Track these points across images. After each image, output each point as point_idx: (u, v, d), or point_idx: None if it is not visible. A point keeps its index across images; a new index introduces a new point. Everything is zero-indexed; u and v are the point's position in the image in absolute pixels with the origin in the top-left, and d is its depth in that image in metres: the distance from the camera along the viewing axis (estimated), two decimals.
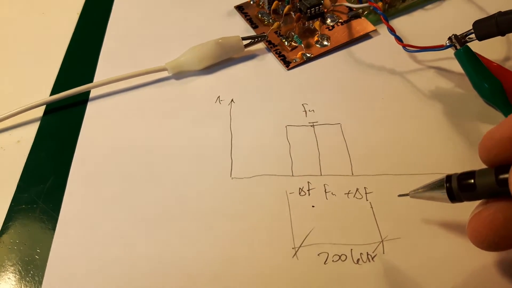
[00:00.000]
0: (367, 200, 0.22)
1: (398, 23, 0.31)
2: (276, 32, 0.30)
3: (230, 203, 0.23)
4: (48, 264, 0.21)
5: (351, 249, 0.21)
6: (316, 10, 0.29)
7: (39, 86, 0.29)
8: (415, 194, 0.20)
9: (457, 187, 0.18)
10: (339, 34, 0.30)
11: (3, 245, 0.22)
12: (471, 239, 0.19)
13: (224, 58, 0.29)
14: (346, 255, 0.21)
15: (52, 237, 0.22)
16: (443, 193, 0.19)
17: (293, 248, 0.21)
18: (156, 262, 0.21)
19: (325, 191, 0.23)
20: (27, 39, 0.33)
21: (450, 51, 0.27)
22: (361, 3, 0.32)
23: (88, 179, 0.24)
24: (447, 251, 0.21)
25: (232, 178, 0.23)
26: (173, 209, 0.22)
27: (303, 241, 0.21)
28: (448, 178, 0.19)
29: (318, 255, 0.21)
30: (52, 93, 0.28)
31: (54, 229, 0.22)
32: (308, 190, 0.23)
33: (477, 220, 0.19)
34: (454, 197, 0.19)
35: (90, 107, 0.27)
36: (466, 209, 0.20)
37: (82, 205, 0.23)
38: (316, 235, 0.21)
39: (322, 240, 0.21)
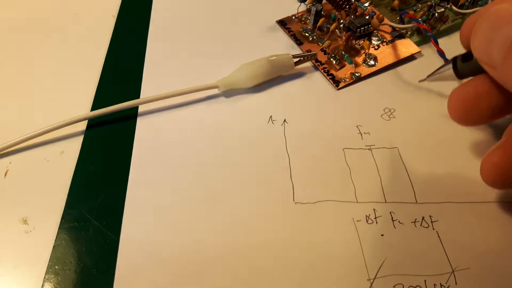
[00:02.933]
0: (433, 229, 0.22)
1: (439, 45, 0.31)
2: (322, 50, 0.30)
3: (298, 230, 0.22)
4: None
5: (425, 280, 0.21)
6: (365, 29, 0.29)
7: (78, 99, 0.28)
8: (430, 76, 0.24)
9: (460, 59, 0.21)
10: (385, 54, 0.30)
11: (56, 266, 0.21)
12: (449, 113, 0.22)
13: (274, 76, 0.28)
14: (420, 286, 0.20)
15: (108, 257, 0.21)
16: (449, 69, 0.22)
17: (368, 280, 0.20)
18: None
19: (392, 219, 0.22)
20: (62, 46, 0.31)
21: None
22: (404, 23, 0.32)
23: (145, 200, 0.23)
24: None
25: (295, 203, 0.23)
26: (235, 238, 0.22)
27: (377, 272, 0.21)
28: (455, 57, 0.22)
29: (394, 286, 0.20)
30: (94, 105, 0.27)
31: (109, 248, 0.21)
32: (375, 218, 0.22)
33: (455, 95, 0.22)
34: (458, 72, 0.21)
35: (140, 123, 0.26)
36: None
37: (141, 229, 0.22)
38: (389, 266, 0.21)
39: (396, 271, 0.21)
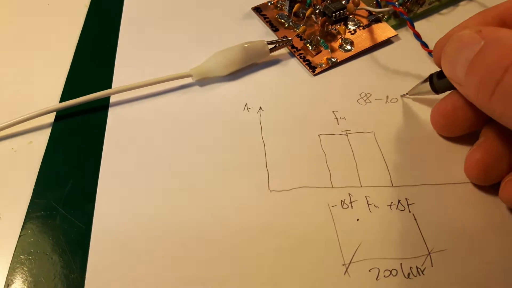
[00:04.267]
0: (409, 211, 0.22)
1: (416, 28, 0.31)
2: (298, 36, 0.30)
3: (273, 218, 0.22)
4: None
5: (401, 263, 0.20)
6: (341, 14, 0.29)
7: (48, 89, 0.27)
8: (411, 91, 0.26)
9: (436, 76, 0.23)
10: (362, 38, 0.30)
11: (21, 256, 0.20)
12: (433, 126, 0.25)
13: (248, 64, 0.28)
14: (396, 270, 0.20)
15: (76, 246, 0.21)
16: (427, 85, 0.24)
17: (343, 264, 0.20)
18: (200, 283, 0.20)
19: (367, 203, 0.22)
20: (32, 36, 0.31)
21: None
22: (380, 7, 0.31)
23: (118, 192, 0.22)
24: (493, 260, 0.21)
25: (270, 191, 0.23)
26: (211, 227, 0.21)
27: (352, 257, 0.20)
28: (431, 75, 0.24)
29: (369, 271, 0.20)
30: (64, 95, 0.27)
31: (76, 237, 0.21)
32: (351, 203, 0.22)
33: (435, 109, 0.24)
34: (435, 88, 0.24)
35: (112, 113, 0.26)
36: (506, 217, 0.20)
37: (113, 220, 0.21)
38: (364, 250, 0.21)
39: (371, 255, 0.21)
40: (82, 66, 0.28)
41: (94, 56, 0.29)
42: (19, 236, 0.21)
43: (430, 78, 0.24)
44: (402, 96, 0.27)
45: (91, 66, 0.28)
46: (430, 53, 0.28)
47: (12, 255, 0.20)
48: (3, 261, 0.20)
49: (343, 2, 0.30)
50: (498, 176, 0.22)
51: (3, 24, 0.31)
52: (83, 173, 0.23)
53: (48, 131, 0.25)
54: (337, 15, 0.29)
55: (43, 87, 0.27)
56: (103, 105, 0.26)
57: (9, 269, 0.20)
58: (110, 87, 0.27)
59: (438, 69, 0.23)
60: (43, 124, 0.25)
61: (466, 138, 0.25)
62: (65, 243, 0.21)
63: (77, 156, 0.24)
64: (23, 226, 0.21)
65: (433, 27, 0.32)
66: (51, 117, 0.26)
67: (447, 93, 0.24)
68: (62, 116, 0.26)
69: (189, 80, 0.27)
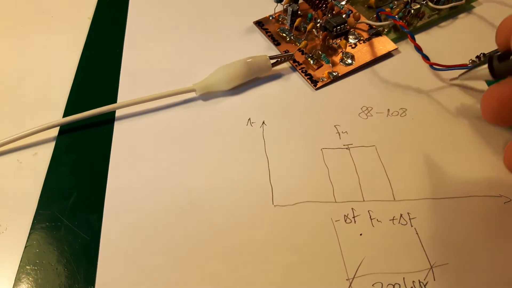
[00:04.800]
0: (411, 226, 0.22)
1: (417, 41, 0.32)
2: (299, 50, 0.30)
3: (277, 233, 0.22)
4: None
5: (403, 278, 0.21)
6: (342, 28, 0.29)
7: (52, 103, 0.28)
8: (463, 75, 0.24)
9: (496, 58, 0.21)
10: (362, 52, 0.30)
11: (27, 266, 0.21)
12: (483, 112, 0.23)
13: (251, 78, 0.28)
14: (399, 284, 0.21)
15: (80, 257, 0.21)
16: (485, 69, 0.22)
17: (347, 279, 0.21)
18: None
19: (370, 217, 0.23)
20: (36, 48, 0.31)
21: None
22: (380, 20, 0.32)
23: (123, 210, 0.23)
24: (495, 274, 0.21)
25: (274, 205, 0.23)
26: (215, 242, 0.22)
27: (356, 272, 0.21)
28: (490, 57, 0.22)
29: (372, 285, 0.20)
30: (68, 109, 0.27)
31: (81, 248, 0.21)
32: (354, 217, 0.23)
33: (489, 95, 0.22)
34: (494, 71, 0.22)
35: (118, 127, 0.26)
36: (507, 230, 0.21)
37: (120, 234, 0.22)
38: (368, 265, 0.21)
39: (374, 270, 0.21)
40: (86, 79, 0.29)
41: (98, 69, 0.29)
42: (25, 247, 0.21)
43: (490, 61, 0.22)
44: (451, 80, 0.25)
45: (95, 79, 0.29)
46: (431, 65, 0.29)
47: (18, 265, 0.21)
48: (9, 271, 0.21)
49: (344, 16, 0.30)
50: None
51: (8, 37, 0.32)
52: (87, 185, 0.24)
53: (52, 144, 0.25)
54: (338, 30, 0.29)
55: (47, 99, 0.28)
56: (108, 119, 0.26)
57: (15, 280, 0.20)
58: (115, 101, 0.27)
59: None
60: (48, 137, 0.26)
61: (468, 153, 0.25)
62: (69, 254, 0.21)
63: (81, 168, 0.24)
64: (28, 237, 0.22)
65: (433, 40, 0.32)
66: (55, 131, 0.26)
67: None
68: (66, 129, 0.26)
69: (192, 95, 0.28)
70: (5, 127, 0.26)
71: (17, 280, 0.20)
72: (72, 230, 0.22)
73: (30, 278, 0.20)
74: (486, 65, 0.22)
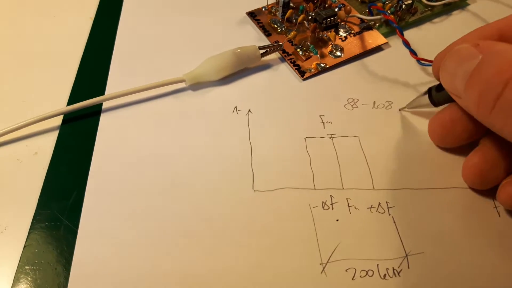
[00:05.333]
0: (389, 214, 0.23)
1: (407, 35, 0.31)
2: (289, 41, 0.30)
3: (254, 217, 0.22)
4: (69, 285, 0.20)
5: (378, 264, 0.21)
6: (331, 21, 0.29)
7: (56, 94, 0.28)
8: (409, 105, 0.26)
9: (434, 89, 0.24)
10: (352, 45, 0.30)
11: (26, 266, 0.21)
12: (430, 137, 0.25)
13: (240, 68, 0.28)
14: (373, 271, 0.21)
15: None
16: (425, 98, 0.24)
17: (320, 264, 0.21)
18: (180, 278, 0.20)
19: (348, 205, 0.23)
20: (40, 44, 0.31)
21: None
22: (372, 15, 0.32)
23: (106, 194, 0.23)
24: (469, 264, 0.21)
25: (254, 191, 0.23)
26: (195, 224, 0.22)
27: (330, 257, 0.21)
28: (430, 88, 0.24)
29: (346, 270, 0.21)
30: (70, 101, 0.27)
31: None
32: (332, 204, 0.23)
33: (433, 120, 0.25)
34: (433, 100, 0.24)
35: (104, 119, 0.26)
36: (486, 225, 0.21)
37: (101, 223, 0.22)
38: (342, 250, 0.21)
39: (349, 255, 0.21)
40: (85, 75, 0.29)
41: (96, 64, 0.30)
42: (24, 247, 0.21)
43: (429, 91, 0.24)
44: (401, 109, 0.27)
45: (93, 74, 0.29)
46: (418, 60, 0.29)
47: (17, 265, 0.21)
48: (8, 271, 0.21)
49: (335, 9, 0.31)
50: (494, 180, 0.23)
51: (11, 36, 0.32)
52: (86, 182, 0.24)
53: (53, 143, 0.25)
54: (327, 22, 0.29)
55: (49, 97, 0.28)
56: (98, 111, 0.27)
57: (13, 280, 0.20)
58: (104, 93, 0.27)
59: (436, 82, 0.24)
60: (48, 135, 0.26)
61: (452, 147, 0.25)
62: (69, 254, 0.21)
63: (81, 167, 0.24)
64: (27, 237, 0.22)
65: (424, 36, 0.32)
66: (56, 130, 0.26)
67: (444, 105, 0.24)
68: (67, 127, 0.26)
69: (182, 85, 0.28)
70: (4, 125, 0.25)
71: (16, 280, 0.20)
72: (72, 230, 0.22)
73: (29, 278, 0.20)
74: (426, 95, 0.24)
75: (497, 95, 0.18)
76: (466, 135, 0.24)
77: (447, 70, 0.21)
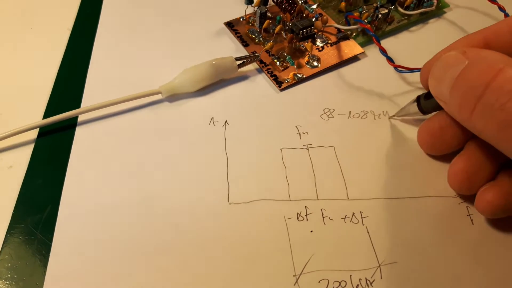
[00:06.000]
0: (363, 224, 0.23)
1: (384, 44, 0.32)
2: (267, 52, 0.30)
3: (229, 229, 0.22)
4: None
5: (350, 275, 0.21)
6: (308, 31, 0.30)
7: (32, 107, 0.28)
8: (398, 113, 0.27)
9: (423, 97, 0.24)
10: (329, 55, 0.31)
11: (0, 281, 0.21)
12: (419, 145, 0.26)
13: (217, 79, 0.29)
14: (345, 281, 0.21)
15: None
16: (414, 106, 0.25)
17: (294, 275, 0.21)
18: None
19: (322, 216, 0.23)
20: (16, 55, 0.31)
21: None
22: (349, 25, 0.32)
23: (80, 208, 0.23)
24: (443, 273, 0.21)
25: (229, 203, 0.23)
26: (169, 237, 0.22)
27: (303, 268, 0.21)
28: (418, 96, 0.25)
29: (319, 282, 0.21)
30: (46, 114, 0.27)
31: None
32: (306, 215, 0.23)
33: (422, 128, 0.25)
34: (422, 108, 0.24)
35: (79, 132, 0.26)
36: (459, 233, 0.21)
37: (75, 237, 0.22)
38: (316, 262, 0.21)
39: (322, 267, 0.21)
40: (62, 88, 0.29)
41: (73, 77, 0.29)
42: None
43: (418, 99, 0.25)
44: (390, 117, 0.27)
45: (70, 87, 0.29)
46: (396, 67, 0.29)
47: None
48: None
49: (313, 20, 0.31)
50: (480, 184, 0.23)
51: None
52: (61, 196, 0.24)
53: (28, 157, 0.25)
54: (304, 32, 0.30)
55: (25, 109, 0.28)
56: (72, 124, 0.27)
57: None
58: (80, 106, 0.27)
59: (425, 91, 0.24)
60: (24, 147, 0.26)
61: (425, 155, 0.26)
62: (42, 268, 0.21)
63: (56, 180, 0.24)
64: (1, 251, 0.22)
65: (400, 44, 0.33)
66: (32, 140, 0.26)
67: (432, 114, 0.25)
68: (42, 142, 0.26)
69: (158, 97, 0.28)
70: None
71: None
72: (46, 244, 0.22)
73: None
74: (415, 103, 0.25)
75: (478, 97, 0.19)
76: (455, 142, 0.24)
77: (434, 76, 0.22)
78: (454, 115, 0.21)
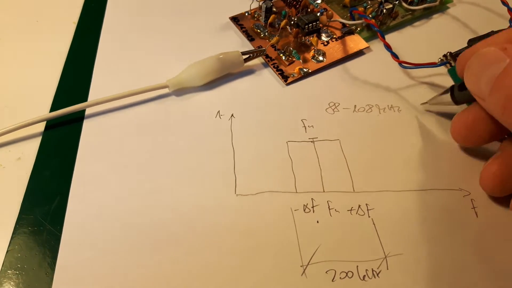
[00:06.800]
0: (369, 216, 0.23)
1: (388, 39, 0.32)
2: (272, 46, 0.31)
3: (236, 220, 0.23)
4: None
5: (357, 266, 0.21)
6: (313, 26, 0.30)
7: (39, 100, 0.28)
8: (431, 101, 0.27)
9: (457, 88, 0.24)
10: (334, 50, 0.31)
11: (9, 271, 0.21)
12: (453, 136, 0.25)
13: (223, 74, 0.29)
14: (352, 272, 0.21)
15: None
16: (447, 96, 0.25)
17: (301, 266, 0.21)
18: (163, 282, 0.21)
19: (328, 208, 0.23)
20: (22, 49, 0.31)
21: (442, 67, 0.28)
22: (354, 19, 0.32)
23: (89, 199, 0.23)
24: (448, 264, 0.22)
25: (237, 195, 0.24)
26: (177, 229, 0.22)
27: (310, 259, 0.21)
28: (452, 86, 0.25)
29: (326, 272, 0.21)
30: (53, 108, 0.27)
31: None
32: (313, 207, 0.23)
33: (456, 120, 0.25)
34: (455, 99, 0.25)
35: (87, 125, 0.26)
36: (464, 225, 0.21)
37: (84, 228, 0.22)
38: (322, 252, 0.22)
39: (329, 257, 0.22)
40: (69, 81, 0.29)
41: (80, 70, 0.30)
42: (7, 252, 0.21)
43: (451, 89, 0.25)
44: (422, 104, 0.28)
45: (77, 79, 0.29)
46: (400, 63, 0.29)
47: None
48: None
49: (318, 14, 0.31)
50: None
51: None
52: (70, 187, 0.24)
53: (36, 148, 0.25)
54: (309, 27, 0.30)
55: (32, 102, 0.28)
56: (81, 117, 0.27)
57: None
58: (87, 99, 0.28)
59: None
60: (32, 140, 0.26)
61: (430, 148, 0.26)
62: (52, 259, 0.21)
63: (64, 171, 0.24)
64: (10, 242, 0.22)
65: (405, 39, 0.33)
66: (39, 135, 0.26)
67: (464, 105, 0.25)
68: (50, 133, 0.26)
69: (165, 91, 0.28)
70: None
71: None
72: (55, 235, 0.22)
73: (12, 283, 0.21)
74: (449, 93, 0.25)
75: None
76: (488, 136, 0.24)
77: (472, 71, 0.21)
78: (494, 114, 0.21)
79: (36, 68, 0.30)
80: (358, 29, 0.33)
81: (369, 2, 0.34)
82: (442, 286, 0.21)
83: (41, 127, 0.26)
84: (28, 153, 0.25)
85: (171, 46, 0.31)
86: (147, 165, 0.25)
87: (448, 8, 0.35)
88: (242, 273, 0.21)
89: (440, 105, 0.27)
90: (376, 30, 0.30)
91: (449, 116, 0.28)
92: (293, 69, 0.30)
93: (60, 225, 0.22)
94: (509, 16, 0.31)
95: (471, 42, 0.27)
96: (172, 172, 0.24)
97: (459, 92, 0.24)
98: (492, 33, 0.26)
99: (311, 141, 0.26)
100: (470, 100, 0.24)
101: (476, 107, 0.23)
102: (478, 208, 0.24)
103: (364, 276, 0.21)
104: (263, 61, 0.30)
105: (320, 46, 0.31)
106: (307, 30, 0.30)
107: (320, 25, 0.30)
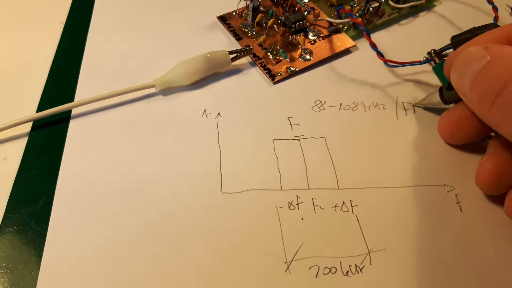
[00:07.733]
0: (353, 213, 0.23)
1: (375, 38, 0.32)
2: (260, 45, 0.31)
3: (222, 218, 0.23)
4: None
5: (341, 262, 0.22)
6: (300, 25, 0.30)
7: (25, 100, 0.28)
8: (421, 101, 0.28)
9: (445, 88, 0.26)
10: (321, 48, 0.31)
11: None
12: (440, 134, 0.26)
13: (211, 73, 0.29)
14: (336, 268, 0.21)
15: None
16: (437, 96, 0.26)
17: (285, 262, 0.21)
18: (148, 280, 0.21)
19: (313, 204, 0.23)
20: (9, 49, 0.31)
21: (427, 65, 0.29)
22: (341, 18, 0.33)
23: (74, 199, 0.23)
24: (431, 260, 0.22)
25: (222, 193, 0.24)
26: (163, 227, 0.22)
27: (294, 255, 0.22)
28: (441, 87, 0.26)
29: (309, 268, 0.21)
30: (40, 107, 0.27)
31: None
32: (297, 204, 0.23)
33: (443, 118, 0.26)
34: (444, 98, 0.26)
35: (73, 125, 0.26)
36: (448, 220, 0.22)
37: (69, 227, 0.22)
38: (306, 249, 0.22)
39: (313, 254, 0.22)
40: (56, 81, 0.29)
41: (67, 70, 0.30)
42: None
43: (440, 90, 0.26)
44: (414, 105, 0.28)
45: (64, 80, 0.29)
46: (385, 62, 0.29)
47: None
48: None
49: (305, 13, 0.31)
50: (508, 185, 0.23)
51: None
52: (55, 186, 0.24)
53: (22, 149, 0.26)
54: (296, 26, 0.30)
55: (18, 101, 0.28)
56: (66, 117, 0.27)
57: None
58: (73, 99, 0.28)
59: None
60: (18, 140, 0.26)
61: (414, 145, 0.26)
62: (37, 258, 0.21)
63: (51, 171, 0.24)
64: None
65: (391, 38, 0.33)
66: (25, 135, 0.26)
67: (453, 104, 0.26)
68: (36, 133, 0.26)
69: (152, 90, 0.28)
70: None
71: None
72: (41, 234, 0.22)
73: None
74: (438, 94, 0.26)
75: (496, 93, 0.20)
76: (473, 133, 0.25)
77: (456, 69, 0.23)
78: (473, 108, 0.22)
79: (23, 68, 0.30)
80: (345, 27, 0.33)
81: (356, 0, 0.34)
82: (426, 281, 0.21)
83: (27, 127, 0.27)
84: (14, 153, 0.25)
85: (158, 45, 0.31)
86: (132, 164, 0.25)
87: (434, 6, 0.36)
88: (226, 270, 0.21)
89: (431, 105, 0.28)
90: (362, 29, 0.30)
91: (433, 113, 0.28)
92: (280, 68, 0.30)
93: (46, 224, 0.22)
94: (493, 14, 0.31)
95: (454, 38, 0.27)
96: (158, 171, 0.25)
97: (448, 92, 0.25)
98: (473, 29, 0.26)
99: (297, 139, 0.26)
100: (458, 99, 0.25)
101: (463, 105, 0.24)
102: (462, 203, 0.24)
103: (348, 271, 0.21)
104: (250, 60, 0.31)
105: (307, 45, 0.31)
106: (294, 29, 0.30)
107: (307, 24, 0.31)
